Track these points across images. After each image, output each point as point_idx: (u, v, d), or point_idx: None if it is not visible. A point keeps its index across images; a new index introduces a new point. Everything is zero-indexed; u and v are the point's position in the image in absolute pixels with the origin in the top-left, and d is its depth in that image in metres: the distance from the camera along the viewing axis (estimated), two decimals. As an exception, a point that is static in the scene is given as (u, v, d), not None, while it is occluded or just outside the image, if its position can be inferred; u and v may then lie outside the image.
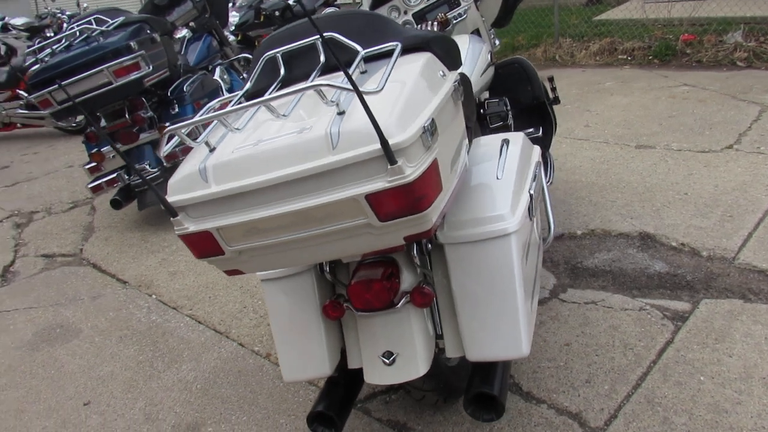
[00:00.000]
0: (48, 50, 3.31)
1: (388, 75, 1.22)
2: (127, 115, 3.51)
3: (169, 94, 3.71)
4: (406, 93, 1.22)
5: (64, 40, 3.36)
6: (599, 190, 3.19)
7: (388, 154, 1.08)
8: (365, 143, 1.11)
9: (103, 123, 3.55)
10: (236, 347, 2.39)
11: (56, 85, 3.18)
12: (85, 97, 3.20)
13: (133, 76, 3.25)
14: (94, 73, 3.17)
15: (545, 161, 2.81)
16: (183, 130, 1.26)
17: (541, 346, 2.10)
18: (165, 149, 1.35)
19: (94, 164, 3.65)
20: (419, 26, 2.57)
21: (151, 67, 3.33)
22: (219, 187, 1.21)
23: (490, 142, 1.83)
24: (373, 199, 1.13)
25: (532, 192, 1.63)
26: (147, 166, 3.55)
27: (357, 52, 1.42)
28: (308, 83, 1.22)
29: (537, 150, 1.91)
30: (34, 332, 2.71)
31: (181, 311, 2.71)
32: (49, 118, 5.75)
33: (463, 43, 2.47)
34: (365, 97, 1.10)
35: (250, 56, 2.78)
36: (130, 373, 2.32)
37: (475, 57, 2.41)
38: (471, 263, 1.49)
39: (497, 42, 3.04)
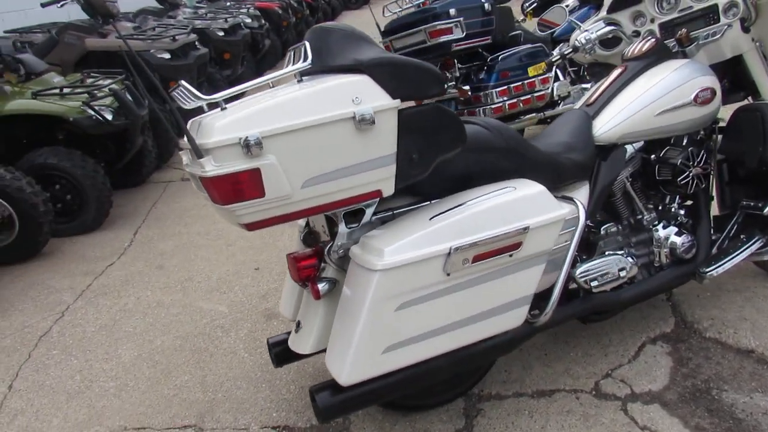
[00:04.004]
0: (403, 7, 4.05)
1: (237, 91, 1.40)
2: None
3: (489, 60, 3.99)
4: (258, 108, 1.35)
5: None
6: None
7: (194, 149, 1.33)
8: (201, 137, 1.38)
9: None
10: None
11: (394, 36, 3.92)
12: (408, 50, 3.83)
13: (443, 38, 3.68)
14: (415, 32, 3.75)
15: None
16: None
17: (516, 425, 1.82)
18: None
19: None
20: (644, 39, 2.16)
21: (464, 33, 3.68)
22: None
23: (492, 186, 1.65)
24: (202, 181, 1.40)
25: (455, 247, 1.47)
26: None
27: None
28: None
29: (544, 216, 1.58)
30: (294, 213, 3.69)
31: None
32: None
33: (663, 70, 2.00)
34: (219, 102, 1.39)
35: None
36: (294, 264, 3.03)
37: (660, 92, 1.94)
38: (350, 281, 1.56)
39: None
